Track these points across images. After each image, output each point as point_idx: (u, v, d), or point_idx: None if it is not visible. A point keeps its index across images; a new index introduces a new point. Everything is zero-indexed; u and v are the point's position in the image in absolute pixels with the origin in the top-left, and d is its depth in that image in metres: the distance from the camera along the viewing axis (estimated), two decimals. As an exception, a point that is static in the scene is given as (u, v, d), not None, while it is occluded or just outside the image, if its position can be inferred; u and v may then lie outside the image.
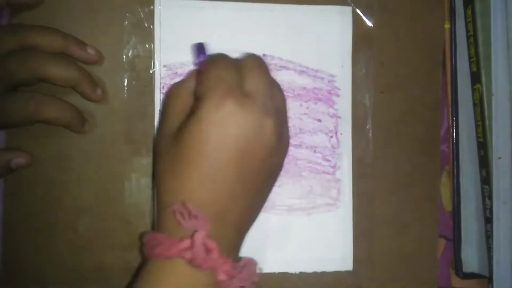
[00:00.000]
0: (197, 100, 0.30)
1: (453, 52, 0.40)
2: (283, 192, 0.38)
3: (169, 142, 0.30)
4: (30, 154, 0.34)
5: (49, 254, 0.36)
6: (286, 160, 0.38)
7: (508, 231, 0.36)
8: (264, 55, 0.38)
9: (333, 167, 0.39)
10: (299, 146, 0.38)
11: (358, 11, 0.39)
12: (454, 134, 0.40)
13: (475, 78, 0.37)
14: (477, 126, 0.37)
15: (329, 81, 0.39)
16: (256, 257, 0.37)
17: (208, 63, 0.31)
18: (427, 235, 0.39)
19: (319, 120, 0.38)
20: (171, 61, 0.37)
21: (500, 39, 0.36)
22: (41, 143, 0.35)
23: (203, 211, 0.28)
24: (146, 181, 0.36)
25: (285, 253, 0.38)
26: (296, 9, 0.38)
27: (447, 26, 0.40)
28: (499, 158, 0.36)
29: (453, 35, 0.40)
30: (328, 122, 0.39)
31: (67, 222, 0.36)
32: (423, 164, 0.39)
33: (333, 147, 0.39)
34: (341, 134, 0.39)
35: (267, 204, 0.37)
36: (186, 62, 0.37)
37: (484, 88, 0.36)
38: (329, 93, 0.39)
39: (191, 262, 0.27)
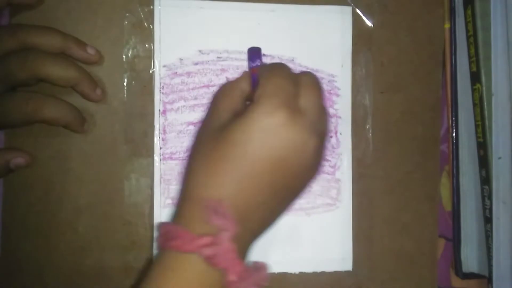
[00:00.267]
0: (252, 102, 0.30)
1: (453, 52, 0.40)
2: (283, 192, 0.38)
3: (212, 136, 0.30)
4: (30, 154, 0.34)
5: (49, 254, 0.36)
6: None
7: (508, 231, 0.36)
8: (264, 55, 0.38)
9: (333, 167, 0.39)
10: (299, 146, 0.38)
11: (358, 11, 0.39)
12: (454, 134, 0.40)
13: (475, 78, 0.37)
14: (477, 126, 0.37)
15: (329, 81, 0.39)
16: (256, 257, 0.37)
17: (270, 70, 0.31)
18: (427, 235, 0.39)
19: (319, 120, 0.38)
20: (171, 61, 0.37)
21: (500, 39, 0.36)
22: (41, 143, 0.35)
23: (231, 211, 0.28)
24: (145, 181, 0.36)
25: (285, 253, 0.38)
26: (296, 9, 0.38)
27: (447, 26, 0.40)
28: (499, 158, 0.36)
29: (453, 35, 0.40)
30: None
31: (67, 222, 0.36)
32: (423, 164, 0.39)
33: (333, 147, 0.39)
34: (341, 134, 0.39)
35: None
36: (186, 62, 0.37)
37: (484, 88, 0.36)
38: (329, 93, 0.39)
39: (208, 259, 0.27)
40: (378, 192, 0.39)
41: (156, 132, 0.37)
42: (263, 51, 0.36)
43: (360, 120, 0.39)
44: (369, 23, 0.39)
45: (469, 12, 0.37)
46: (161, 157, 0.37)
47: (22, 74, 0.32)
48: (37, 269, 0.35)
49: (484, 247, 0.37)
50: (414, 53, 0.39)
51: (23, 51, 0.32)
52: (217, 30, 0.37)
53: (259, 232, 0.31)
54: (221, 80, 0.37)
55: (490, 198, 0.36)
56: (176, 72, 0.37)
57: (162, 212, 0.37)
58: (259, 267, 0.30)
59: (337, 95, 0.39)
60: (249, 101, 0.32)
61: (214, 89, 0.37)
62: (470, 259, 0.39)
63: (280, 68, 0.32)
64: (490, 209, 0.36)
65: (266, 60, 0.38)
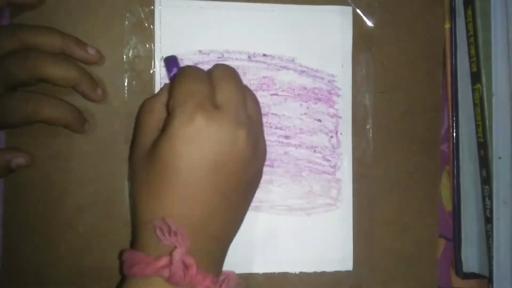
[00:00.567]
0: (169, 115, 0.29)
1: (453, 52, 0.40)
2: (283, 192, 0.38)
3: (144, 159, 0.30)
4: (30, 154, 0.34)
5: (49, 254, 0.36)
6: (286, 160, 0.38)
7: (508, 231, 0.36)
8: (264, 55, 0.38)
9: (333, 167, 0.39)
10: (299, 146, 0.38)
11: (358, 11, 0.39)
12: (454, 134, 0.40)
13: (475, 78, 0.37)
14: (477, 126, 0.37)
15: (329, 81, 0.39)
16: (256, 257, 0.37)
17: (178, 77, 0.31)
18: (427, 235, 0.39)
19: (319, 120, 0.38)
20: (171, 61, 0.37)
21: (500, 39, 0.36)
22: (41, 143, 0.35)
23: (182, 227, 0.28)
24: (146, 181, 0.36)
25: (285, 253, 0.38)
26: (296, 9, 0.38)
27: (447, 26, 0.40)
28: (499, 158, 0.36)
29: (453, 35, 0.40)
30: (328, 122, 0.39)
31: (67, 222, 0.36)
32: (423, 164, 0.39)
33: (333, 147, 0.39)
34: (341, 134, 0.39)
35: (267, 204, 0.37)
36: (186, 62, 0.37)
37: (484, 88, 0.36)
38: (329, 93, 0.39)
39: (169, 280, 0.27)
40: (378, 192, 0.39)
41: (156, 132, 0.37)
42: (263, 51, 0.36)
43: (360, 120, 0.39)
44: (369, 23, 0.39)
45: (469, 12, 0.37)
46: (161, 157, 0.37)
47: (22, 74, 0.32)
48: (37, 268, 0.35)
49: (484, 247, 0.37)
50: (415, 53, 0.39)
51: (24, 51, 0.32)
52: (217, 30, 0.37)
53: (225, 237, 0.31)
54: (221, 80, 0.37)
55: (490, 198, 0.36)
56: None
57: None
58: (228, 276, 0.30)
59: (338, 95, 0.39)
60: None
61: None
62: (471, 259, 0.39)
63: (188, 72, 0.31)
64: (491, 209, 0.36)
65: (266, 60, 0.38)
